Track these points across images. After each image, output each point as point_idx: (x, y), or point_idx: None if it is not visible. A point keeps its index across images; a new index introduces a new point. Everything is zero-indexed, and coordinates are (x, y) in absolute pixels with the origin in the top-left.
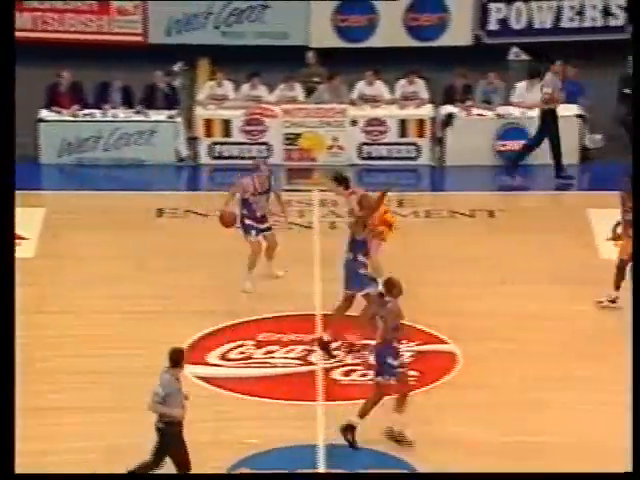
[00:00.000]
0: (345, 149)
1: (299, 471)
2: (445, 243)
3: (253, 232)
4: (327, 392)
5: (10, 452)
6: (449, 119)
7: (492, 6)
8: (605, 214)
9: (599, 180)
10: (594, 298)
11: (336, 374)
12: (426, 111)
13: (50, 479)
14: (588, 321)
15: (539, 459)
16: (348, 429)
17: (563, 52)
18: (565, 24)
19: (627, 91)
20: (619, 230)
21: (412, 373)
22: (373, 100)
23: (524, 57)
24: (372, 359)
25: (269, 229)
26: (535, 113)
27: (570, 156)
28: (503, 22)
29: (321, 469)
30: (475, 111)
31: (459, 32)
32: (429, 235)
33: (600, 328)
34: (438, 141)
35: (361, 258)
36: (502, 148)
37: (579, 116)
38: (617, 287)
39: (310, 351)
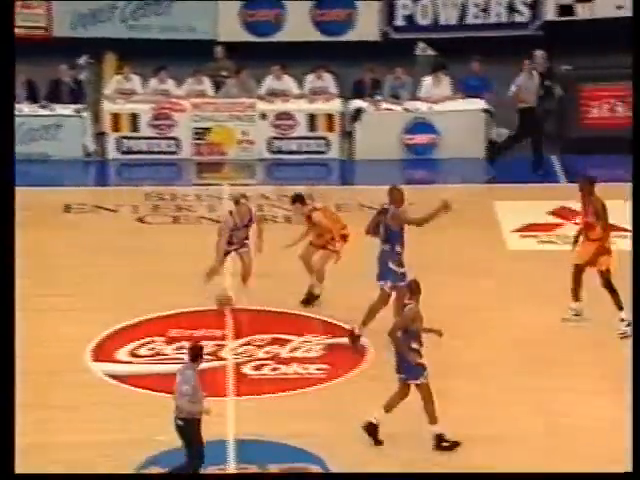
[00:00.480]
0: (255, 143)
1: (209, 468)
2: (353, 236)
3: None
4: (238, 387)
5: (10, 452)
6: (358, 113)
7: (399, 2)
8: (512, 206)
9: (506, 173)
10: (500, 289)
11: (247, 369)
12: (335, 105)
13: (50, 479)
14: (494, 312)
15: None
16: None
17: (468, 48)
18: (470, 20)
19: None
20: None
21: (323, 366)
22: (282, 94)
23: (430, 52)
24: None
25: (244, 246)
26: (442, 107)
27: (476, 150)
28: (409, 18)
29: (231, 465)
30: (383, 105)
31: (366, 27)
32: None
33: (506, 317)
34: (347, 135)
35: (398, 249)
36: (410, 142)
37: (485, 110)
38: (576, 298)
39: (221, 346)
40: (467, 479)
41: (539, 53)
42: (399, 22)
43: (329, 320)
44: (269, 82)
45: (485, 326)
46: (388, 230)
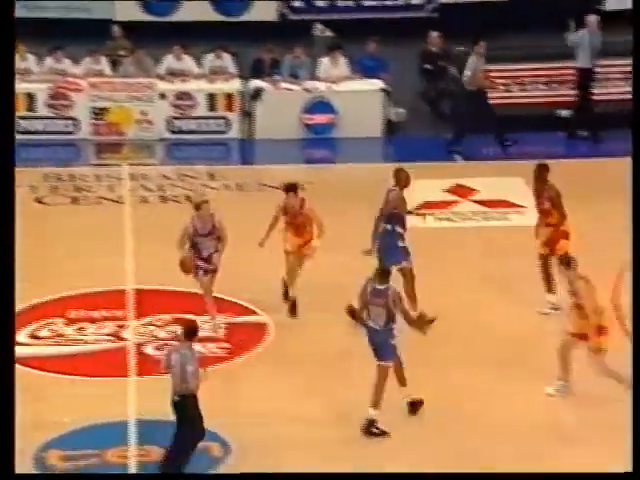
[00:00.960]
0: (154, 123)
1: (112, 448)
2: (255, 215)
3: (200, 272)
4: (139, 367)
5: (10, 452)
6: (257, 93)
7: None
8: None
9: (403, 152)
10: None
11: (148, 349)
12: (234, 85)
13: (50, 479)
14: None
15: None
16: (370, 425)
17: (365, 29)
18: (367, 2)
19: (427, 66)
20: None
21: (224, 345)
22: (181, 74)
23: (327, 33)
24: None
25: (215, 271)
26: (340, 87)
27: (374, 129)
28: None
29: (132, 445)
30: (283, 85)
31: (264, 8)
32: (240, 208)
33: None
34: (247, 115)
35: (399, 229)
36: (309, 121)
37: (382, 90)
38: (550, 290)
39: (122, 327)
40: (467, 479)
41: (433, 34)
42: (296, 3)
43: (229, 299)
44: (168, 62)
45: None
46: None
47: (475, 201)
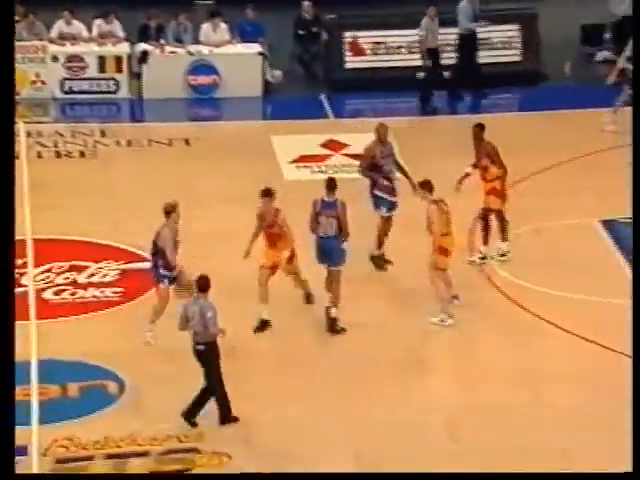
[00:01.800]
0: (48, 84)
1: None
2: (145, 169)
3: (166, 281)
4: (39, 312)
5: (10, 452)
6: (144, 56)
7: None
8: (286, 140)
9: (281, 110)
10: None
11: (47, 294)
12: (123, 48)
13: (50, 479)
14: None
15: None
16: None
17: None
18: None
19: (301, 32)
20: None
21: (118, 290)
22: (72, 38)
23: (208, 1)
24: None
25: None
26: (222, 51)
27: (254, 89)
28: None
29: (34, 383)
30: (168, 49)
31: None
32: (130, 162)
33: None
34: (135, 76)
35: (380, 180)
36: (194, 82)
37: (260, 54)
38: (485, 242)
39: (22, 274)
40: (467, 479)
41: (306, 3)
42: None
43: (124, 247)
44: (59, 26)
45: None
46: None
47: (347, 154)
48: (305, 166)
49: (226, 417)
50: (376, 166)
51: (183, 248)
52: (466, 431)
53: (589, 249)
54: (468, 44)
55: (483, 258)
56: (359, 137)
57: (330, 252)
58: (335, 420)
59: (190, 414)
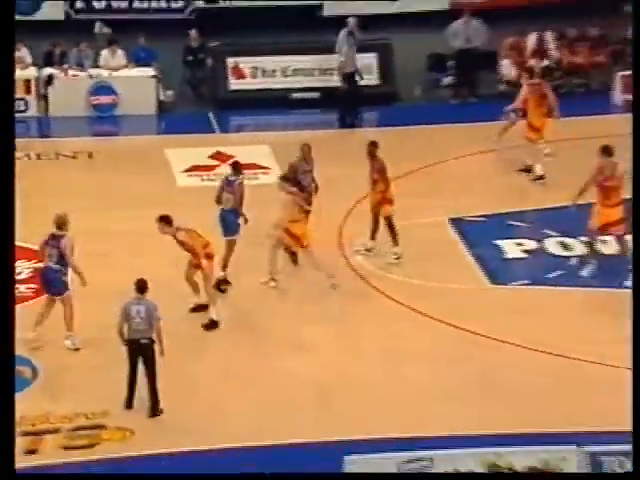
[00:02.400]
0: None
1: None
2: (52, 179)
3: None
4: None
5: (10, 452)
6: (50, 79)
7: None
8: (178, 152)
9: (173, 126)
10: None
11: None
12: (31, 72)
13: (50, 479)
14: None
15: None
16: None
17: (137, 26)
18: (137, 5)
19: (189, 58)
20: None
21: (31, 286)
22: None
23: (106, 30)
24: None
25: None
26: (119, 74)
27: (149, 108)
28: (87, 2)
29: None
30: (71, 72)
31: (52, 9)
32: (40, 174)
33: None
34: (43, 97)
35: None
36: (95, 102)
37: (154, 76)
38: (372, 237)
39: None
40: (467, 479)
41: (193, 32)
42: (79, 5)
43: (36, 248)
44: None
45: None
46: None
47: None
48: (196, 174)
49: (155, 407)
50: (296, 180)
51: (92, 247)
52: (337, 402)
53: (440, 243)
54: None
55: (368, 250)
56: (242, 149)
57: (226, 225)
58: (228, 398)
59: (155, 408)
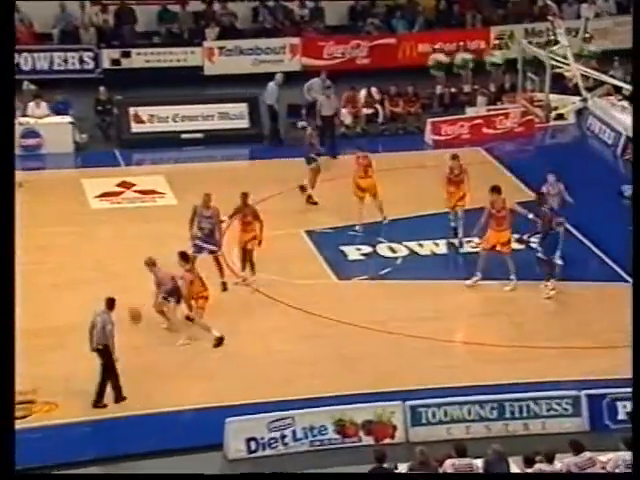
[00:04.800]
0: None
1: None
2: None
3: None
4: None
5: (10, 452)
6: None
7: None
8: (92, 182)
9: (87, 162)
10: (84, 237)
11: None
12: None
13: (50, 479)
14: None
15: None
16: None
17: (57, 84)
18: (56, 67)
19: (99, 108)
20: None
21: None
22: None
23: (32, 87)
24: None
25: None
26: (44, 121)
27: (67, 148)
28: (17, 65)
29: None
30: None
31: None
32: None
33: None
34: None
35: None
36: (24, 144)
37: (70, 123)
38: (243, 268)
39: None
40: (467, 479)
41: (101, 88)
42: None
43: None
44: None
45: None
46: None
47: (135, 190)
48: (106, 199)
49: (119, 396)
50: (192, 222)
51: (25, 258)
52: (224, 367)
53: (296, 250)
54: (272, 114)
55: (244, 280)
56: (143, 179)
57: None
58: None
59: (118, 397)
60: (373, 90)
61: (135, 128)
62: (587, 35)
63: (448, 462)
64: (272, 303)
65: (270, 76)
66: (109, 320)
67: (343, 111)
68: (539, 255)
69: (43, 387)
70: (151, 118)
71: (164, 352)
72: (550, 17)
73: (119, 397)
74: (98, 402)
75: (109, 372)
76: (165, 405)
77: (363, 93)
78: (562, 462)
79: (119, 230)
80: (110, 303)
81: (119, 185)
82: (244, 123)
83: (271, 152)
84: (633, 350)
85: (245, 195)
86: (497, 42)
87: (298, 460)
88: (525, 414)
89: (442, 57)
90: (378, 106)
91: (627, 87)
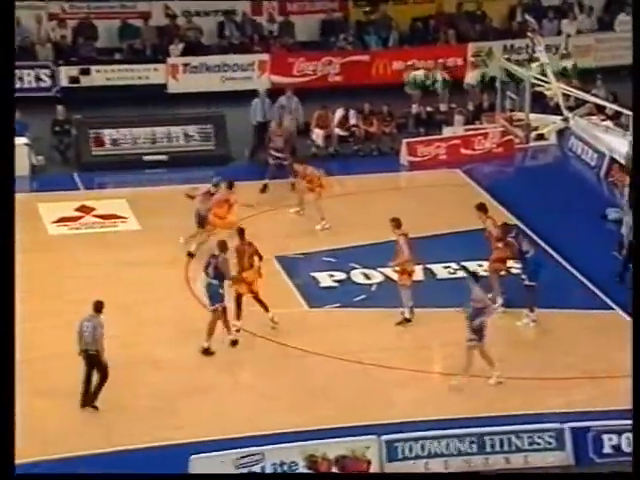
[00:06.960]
0: None
1: None
2: None
3: None
4: None
5: (10, 453)
6: None
7: None
8: (49, 206)
9: (44, 185)
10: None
11: None
12: None
13: (50, 479)
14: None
15: None
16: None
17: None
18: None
19: (57, 129)
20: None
21: None
22: None
23: None
24: None
25: None
26: None
27: (23, 170)
28: None
29: None
30: None
31: None
32: None
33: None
34: None
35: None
36: None
37: (27, 144)
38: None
39: None
40: (468, 479)
41: (59, 107)
42: None
43: None
44: None
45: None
46: (216, 270)
47: (95, 215)
48: (63, 225)
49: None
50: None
51: None
52: (190, 407)
53: (268, 275)
54: (260, 132)
55: (237, 331)
56: (103, 202)
57: (211, 295)
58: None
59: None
60: (351, 113)
61: (96, 151)
62: (565, 52)
63: None
64: (240, 332)
65: (238, 94)
66: (99, 323)
67: (315, 131)
68: (525, 283)
69: None
70: (112, 140)
71: (127, 386)
72: (530, 33)
73: (92, 400)
74: (90, 403)
75: (103, 372)
76: (128, 442)
77: (339, 114)
78: None
79: (75, 257)
80: (98, 306)
81: (78, 209)
82: (210, 145)
83: (238, 174)
84: (633, 380)
85: (241, 230)
86: (474, 59)
87: None
88: (506, 448)
89: (420, 74)
90: (354, 129)
91: (610, 106)
